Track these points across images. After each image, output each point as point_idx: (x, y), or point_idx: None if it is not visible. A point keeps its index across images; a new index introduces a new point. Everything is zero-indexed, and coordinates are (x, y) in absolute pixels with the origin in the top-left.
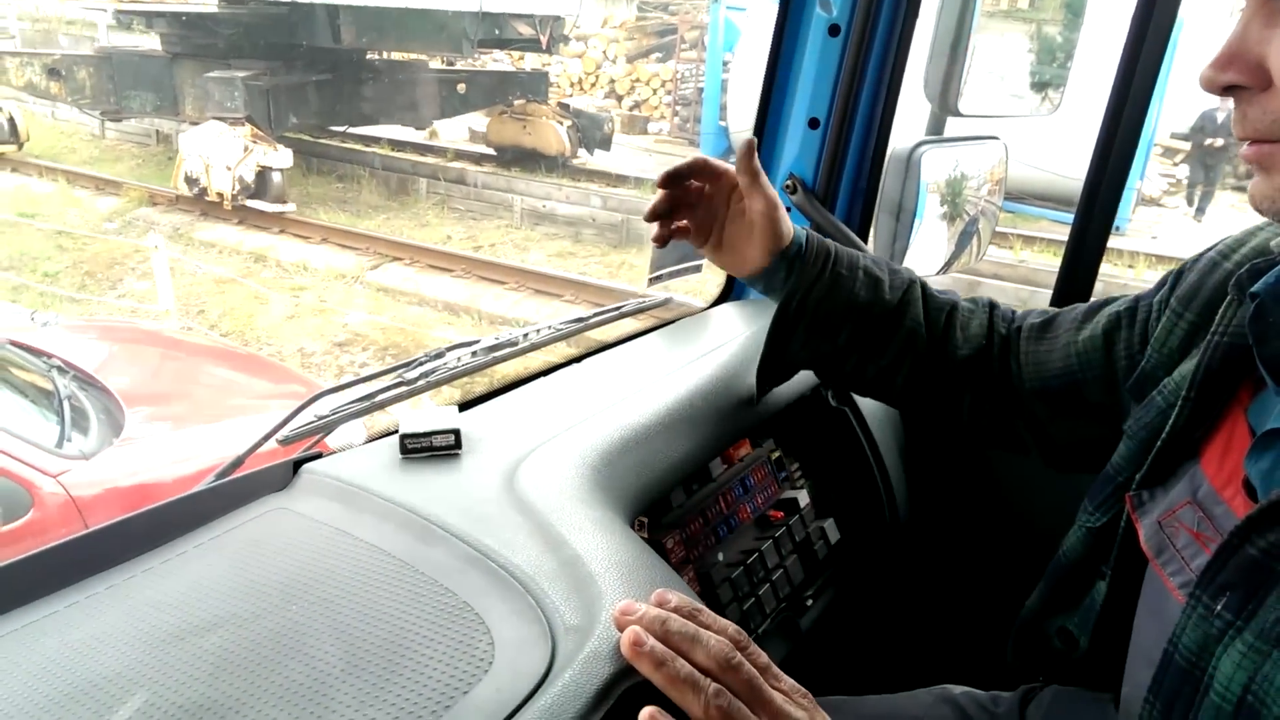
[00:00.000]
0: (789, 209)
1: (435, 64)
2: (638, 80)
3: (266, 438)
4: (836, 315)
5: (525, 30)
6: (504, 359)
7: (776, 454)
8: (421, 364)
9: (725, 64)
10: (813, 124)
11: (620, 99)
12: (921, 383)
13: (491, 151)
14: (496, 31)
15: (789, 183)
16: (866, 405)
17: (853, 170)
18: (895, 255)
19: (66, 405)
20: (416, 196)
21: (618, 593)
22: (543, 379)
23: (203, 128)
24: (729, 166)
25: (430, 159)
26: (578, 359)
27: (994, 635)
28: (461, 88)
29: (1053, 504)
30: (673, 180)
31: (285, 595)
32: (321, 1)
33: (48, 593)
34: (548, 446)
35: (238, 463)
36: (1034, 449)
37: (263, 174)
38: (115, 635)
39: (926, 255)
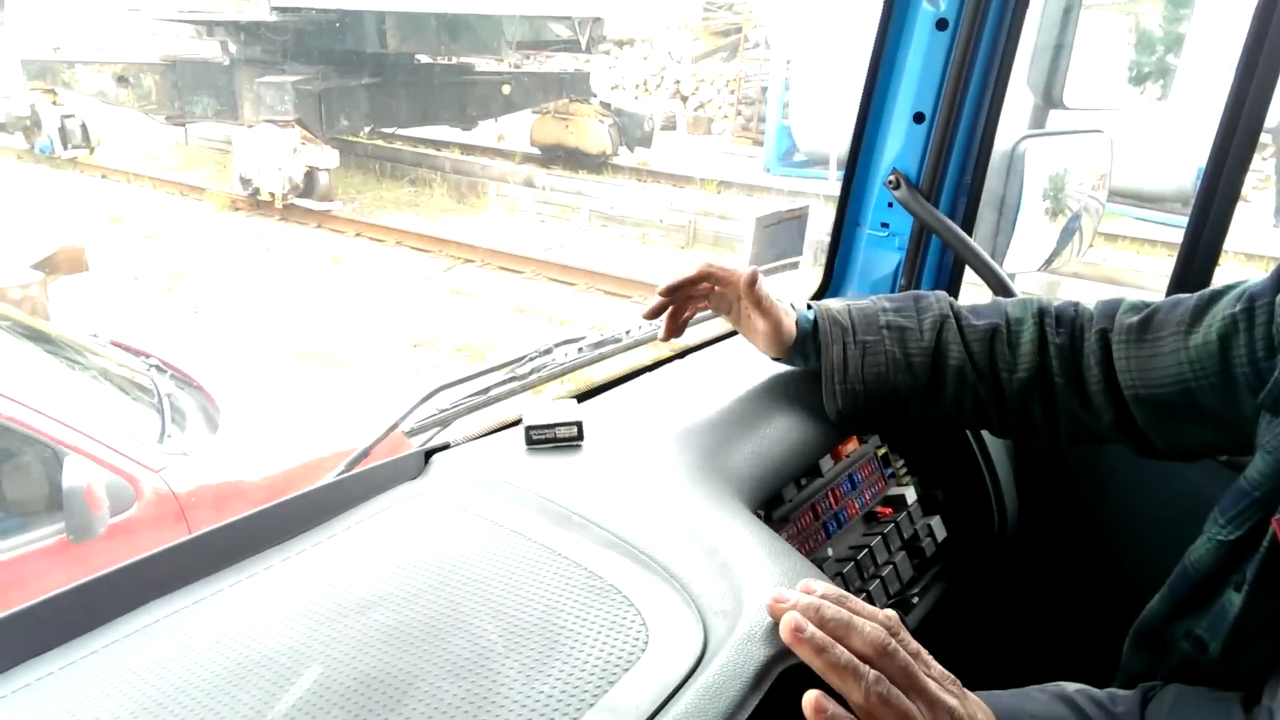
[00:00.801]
0: (890, 204)
1: (481, 66)
2: (702, 80)
3: (390, 429)
4: (878, 379)
5: (563, 32)
6: (609, 355)
7: (883, 450)
8: (532, 359)
9: (788, 62)
10: (918, 118)
11: (685, 99)
12: (990, 412)
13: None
14: (535, 34)
15: (892, 178)
16: None
17: (958, 165)
18: (996, 251)
19: (166, 403)
20: (486, 198)
21: (761, 579)
22: (649, 374)
23: (255, 130)
24: (736, 275)
25: (499, 162)
26: (680, 355)
27: (1105, 635)
28: (506, 89)
29: (1165, 507)
30: (675, 290)
31: (439, 576)
32: (369, 8)
33: (208, 574)
34: (667, 437)
35: (365, 453)
36: (1131, 446)
37: (310, 174)
38: (281, 612)
39: (1028, 252)
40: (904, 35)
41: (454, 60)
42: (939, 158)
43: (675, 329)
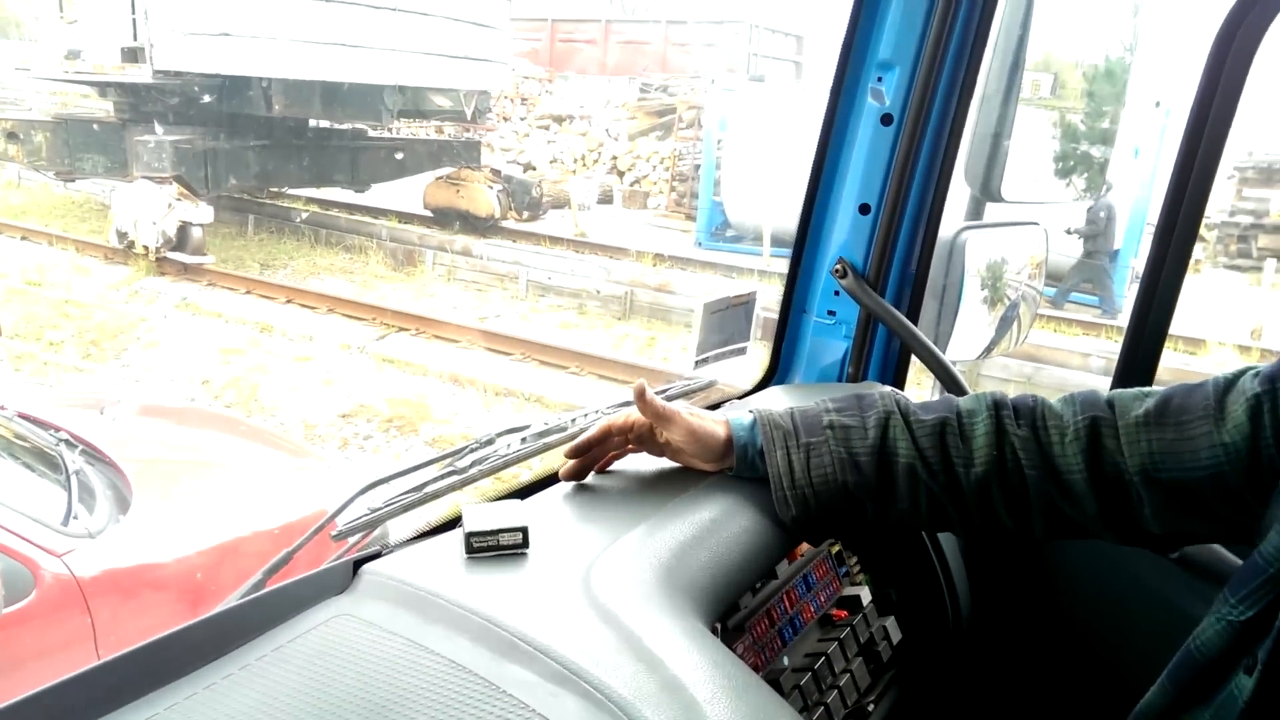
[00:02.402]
0: (836, 292)
1: (374, 132)
2: (638, 157)
3: (316, 531)
4: (826, 481)
5: (444, 103)
6: (555, 445)
7: (836, 548)
8: (473, 450)
9: (718, 142)
10: (863, 209)
11: (622, 175)
12: (949, 511)
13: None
14: (416, 104)
15: (838, 267)
16: None
17: (903, 255)
18: (939, 339)
19: (74, 481)
20: (423, 267)
21: None
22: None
23: (133, 186)
24: (633, 415)
25: (435, 231)
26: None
27: None
28: (399, 155)
29: (1117, 597)
30: (581, 451)
31: (365, 718)
32: (252, 74)
33: (104, 713)
34: (619, 544)
35: (286, 559)
36: (1113, 536)
37: (183, 228)
38: None
39: (969, 340)
40: (850, 129)
41: (347, 126)
42: (884, 248)
43: (580, 474)
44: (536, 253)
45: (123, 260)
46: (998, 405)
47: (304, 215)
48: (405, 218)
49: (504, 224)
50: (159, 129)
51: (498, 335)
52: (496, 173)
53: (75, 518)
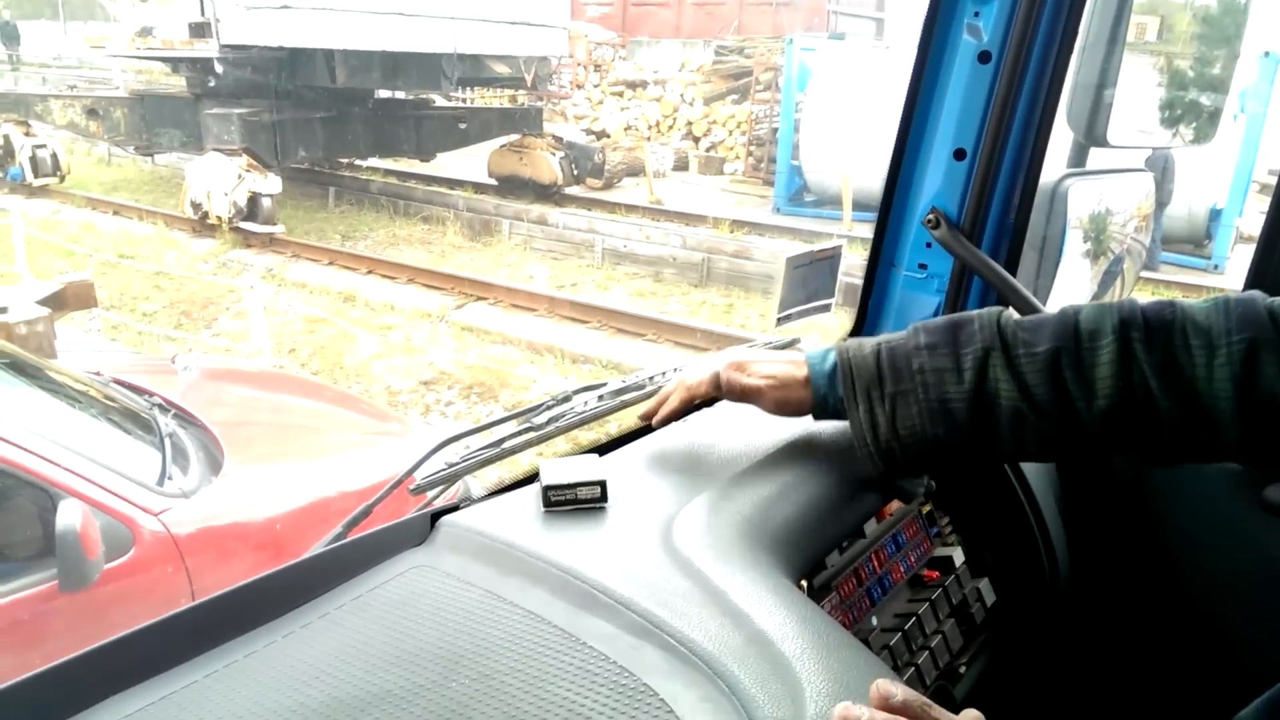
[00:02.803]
0: (928, 244)
1: (440, 101)
2: (714, 122)
3: (395, 485)
4: (916, 435)
5: (504, 70)
6: (632, 403)
7: (928, 508)
8: (549, 408)
9: (798, 104)
10: (958, 155)
11: (697, 140)
12: (1061, 447)
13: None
14: (476, 72)
15: (931, 216)
16: None
17: (1001, 204)
18: (1038, 293)
19: (167, 443)
20: (499, 236)
21: (820, 681)
22: (677, 423)
23: (204, 158)
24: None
25: (511, 200)
26: (709, 402)
27: (1179, 684)
28: (463, 124)
29: (1223, 563)
30: (666, 421)
31: (444, 668)
32: (316, 46)
33: (184, 659)
34: (699, 499)
35: (366, 512)
36: (1252, 461)
37: (254, 198)
38: (262, 712)
39: (1069, 294)
40: (944, 68)
41: (410, 95)
42: (981, 196)
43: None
44: (612, 220)
45: (210, 234)
46: (1126, 324)
47: (378, 186)
48: (481, 188)
49: (570, 191)
50: (227, 102)
51: (574, 303)
52: (559, 139)
53: (170, 478)
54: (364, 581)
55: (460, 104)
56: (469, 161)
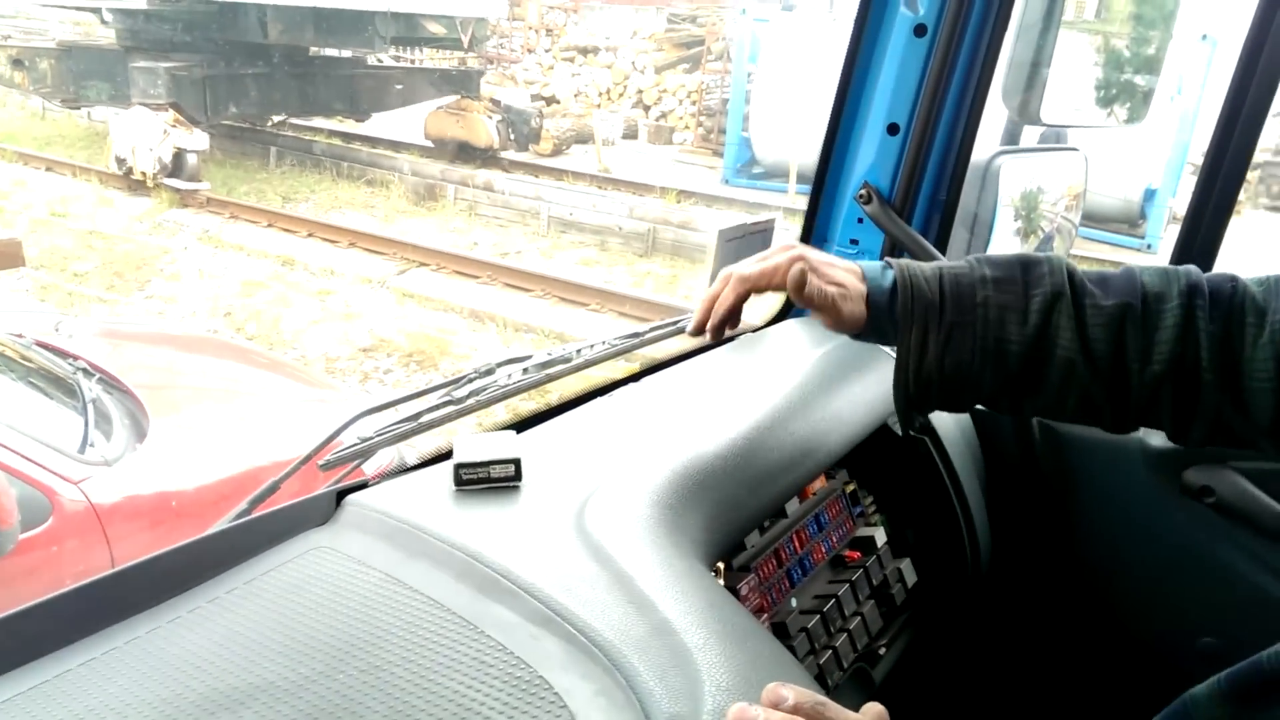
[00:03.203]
0: (860, 220)
1: (374, 60)
2: (665, 91)
3: (304, 461)
4: (961, 371)
5: (439, 30)
6: (557, 376)
7: (851, 487)
8: (471, 380)
9: (749, 75)
10: (892, 130)
11: (648, 109)
12: (1103, 408)
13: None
14: (410, 31)
15: (863, 192)
16: (946, 433)
17: (933, 180)
18: None
19: (91, 409)
20: (444, 202)
21: (721, 674)
22: (600, 398)
23: (129, 113)
24: (780, 275)
25: (458, 167)
26: (635, 377)
27: (1093, 673)
28: (399, 84)
29: (1148, 545)
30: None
31: (333, 660)
32: (248, 1)
33: (61, 645)
34: (616, 479)
35: (272, 488)
36: (1275, 452)
37: (179, 155)
38: (137, 704)
39: None
40: (880, 41)
41: (347, 54)
42: (913, 172)
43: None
44: (559, 188)
45: (145, 193)
46: (1192, 291)
47: (321, 147)
48: (427, 152)
49: (518, 157)
50: (156, 56)
51: (518, 271)
52: (496, 103)
53: (92, 445)
54: (260, 563)
55: (396, 64)
56: (416, 124)
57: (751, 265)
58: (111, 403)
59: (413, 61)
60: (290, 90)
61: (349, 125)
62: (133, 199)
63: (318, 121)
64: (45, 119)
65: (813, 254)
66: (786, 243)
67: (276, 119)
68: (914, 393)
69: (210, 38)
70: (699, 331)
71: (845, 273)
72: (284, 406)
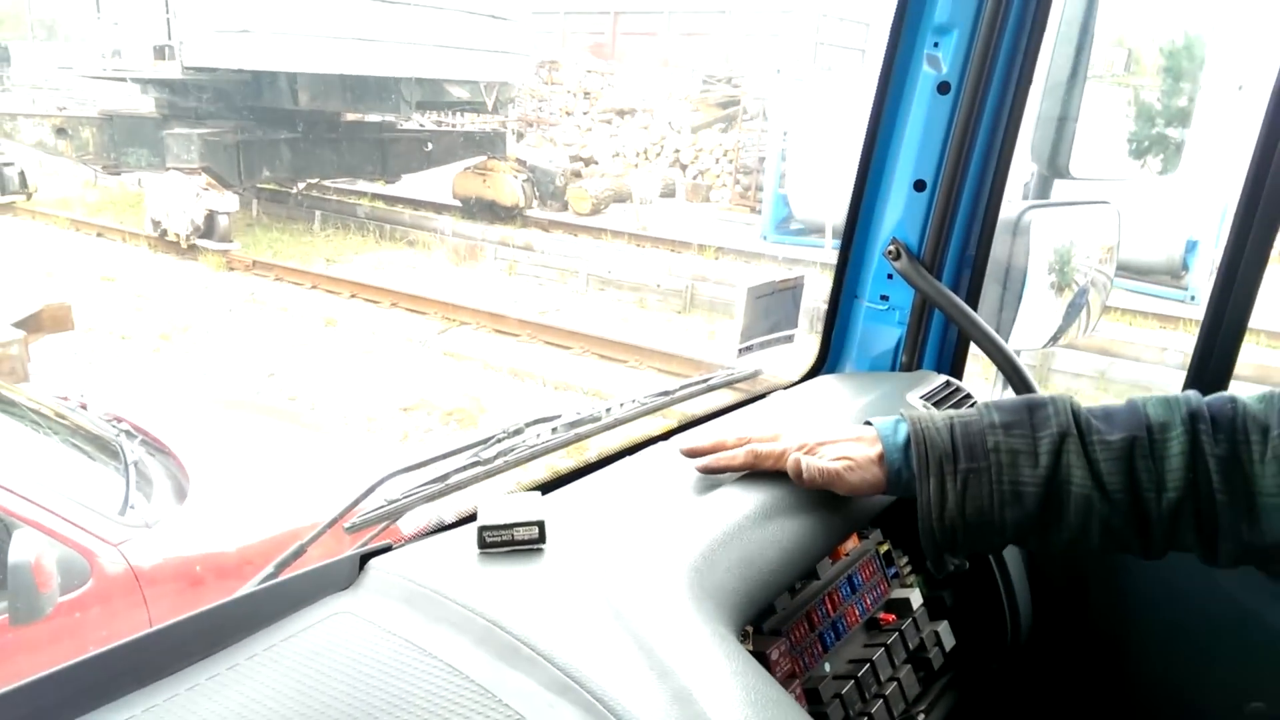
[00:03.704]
0: (890, 276)
1: (403, 124)
2: (701, 150)
3: (331, 524)
4: (982, 515)
5: (463, 94)
6: (586, 435)
7: (885, 547)
8: (500, 440)
9: (784, 134)
10: (918, 186)
11: (684, 168)
12: (1128, 538)
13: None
14: (435, 95)
15: (891, 248)
16: None
17: (961, 236)
18: (1001, 326)
19: (132, 471)
20: (484, 261)
21: None
22: (629, 457)
23: (163, 177)
24: (781, 460)
25: (498, 227)
26: (665, 435)
27: None
28: (428, 146)
29: (1195, 612)
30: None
31: None
32: (277, 69)
33: (82, 712)
34: (640, 541)
35: (299, 552)
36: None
37: (210, 216)
38: None
39: (1034, 327)
40: (904, 99)
41: (376, 118)
42: (941, 227)
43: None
44: (597, 247)
45: (194, 256)
46: (1194, 417)
47: (365, 210)
48: (468, 213)
49: (557, 218)
50: (190, 123)
51: (557, 329)
52: (522, 162)
53: (133, 507)
54: (282, 629)
55: (424, 127)
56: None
57: (764, 446)
58: (153, 464)
59: (440, 124)
60: (320, 154)
61: (392, 188)
62: (181, 262)
63: (361, 185)
64: (97, 186)
65: (818, 436)
66: (798, 430)
67: (311, 181)
68: (940, 539)
69: (243, 105)
70: (692, 455)
71: (852, 443)
72: (323, 466)
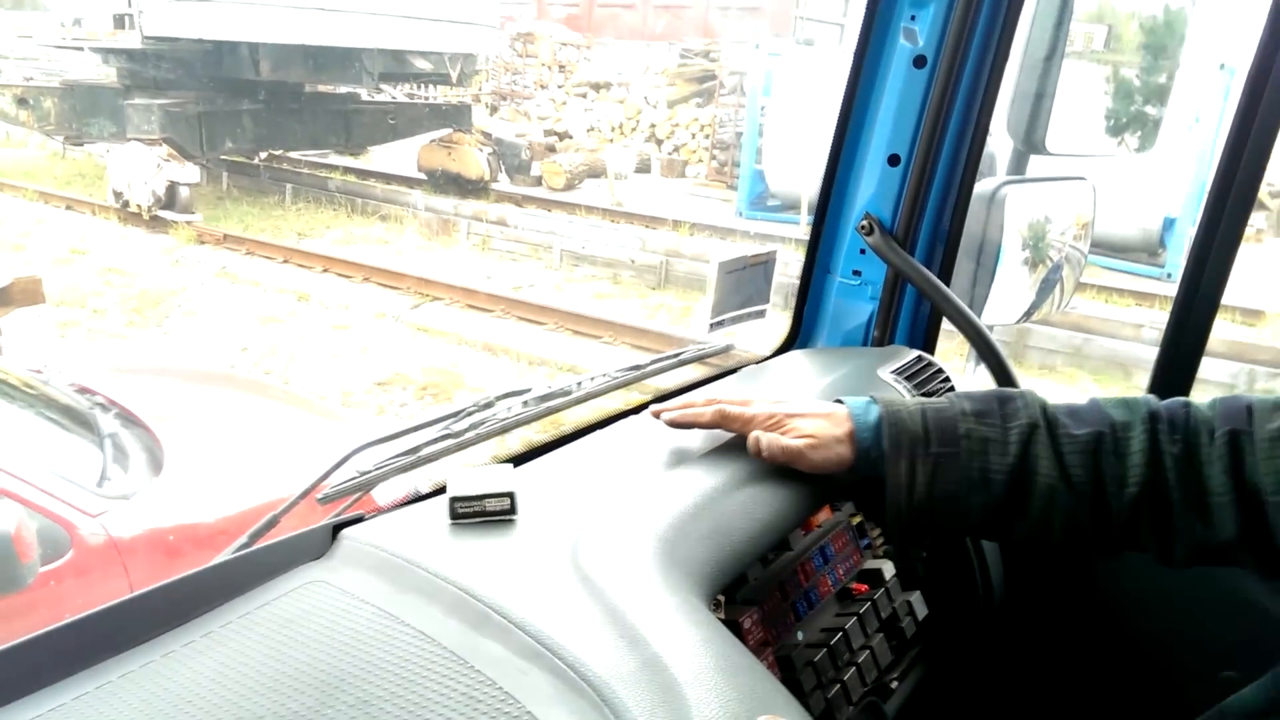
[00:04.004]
0: (862, 251)
1: (368, 95)
2: (677, 125)
3: (303, 495)
4: (949, 499)
5: (428, 66)
6: (558, 409)
7: (857, 519)
8: (470, 414)
9: (762, 109)
10: (892, 160)
11: (660, 143)
12: (1086, 531)
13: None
14: (399, 67)
15: (864, 223)
16: None
17: (935, 210)
18: (974, 302)
19: (108, 444)
20: (457, 236)
21: (710, 708)
22: (600, 430)
23: (125, 148)
24: (748, 424)
25: (471, 201)
26: (636, 409)
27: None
28: (392, 118)
29: (1159, 578)
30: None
31: (322, 694)
32: (239, 39)
33: (57, 679)
34: (611, 511)
35: (272, 522)
36: (1252, 564)
37: (171, 187)
38: None
39: (1007, 303)
40: (879, 72)
41: (340, 90)
42: (915, 202)
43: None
44: (571, 222)
45: (165, 229)
46: (1153, 417)
47: (337, 184)
48: (439, 187)
49: (531, 193)
50: (151, 93)
51: (531, 304)
52: (487, 135)
53: (110, 479)
54: (255, 597)
55: (389, 99)
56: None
57: (733, 408)
58: (129, 437)
59: (413, 98)
60: (283, 124)
61: (364, 162)
62: (151, 236)
63: (333, 159)
64: (65, 158)
65: (787, 408)
66: (770, 401)
67: (274, 152)
68: (907, 521)
69: (204, 75)
70: (659, 413)
71: (820, 420)
72: (299, 439)
